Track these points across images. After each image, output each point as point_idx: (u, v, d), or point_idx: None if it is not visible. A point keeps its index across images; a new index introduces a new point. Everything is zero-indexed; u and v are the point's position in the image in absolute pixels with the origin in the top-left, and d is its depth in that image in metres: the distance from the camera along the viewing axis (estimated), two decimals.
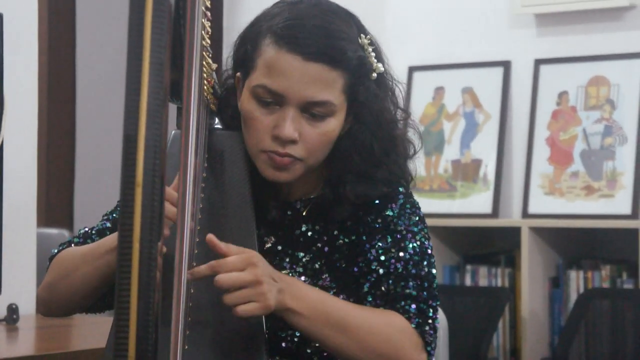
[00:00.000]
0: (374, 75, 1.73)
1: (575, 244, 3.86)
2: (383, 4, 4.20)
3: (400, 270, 1.70)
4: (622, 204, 3.71)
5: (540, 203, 3.85)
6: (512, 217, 3.96)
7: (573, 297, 3.72)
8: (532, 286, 3.76)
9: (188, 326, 1.59)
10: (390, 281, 1.69)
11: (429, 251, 1.73)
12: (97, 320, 1.83)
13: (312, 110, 1.67)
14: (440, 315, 2.15)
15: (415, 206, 1.76)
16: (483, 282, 3.92)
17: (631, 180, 3.72)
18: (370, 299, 1.70)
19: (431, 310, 1.70)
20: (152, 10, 1.05)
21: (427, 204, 3.96)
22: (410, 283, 1.69)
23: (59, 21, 5.04)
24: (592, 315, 3.54)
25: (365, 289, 1.71)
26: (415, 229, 1.73)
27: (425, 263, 1.72)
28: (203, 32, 1.57)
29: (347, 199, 1.72)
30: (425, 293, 1.70)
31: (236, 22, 4.13)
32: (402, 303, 1.68)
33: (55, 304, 1.77)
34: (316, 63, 1.66)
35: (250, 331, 1.62)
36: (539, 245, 3.78)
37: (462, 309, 3.66)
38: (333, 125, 1.69)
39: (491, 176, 3.96)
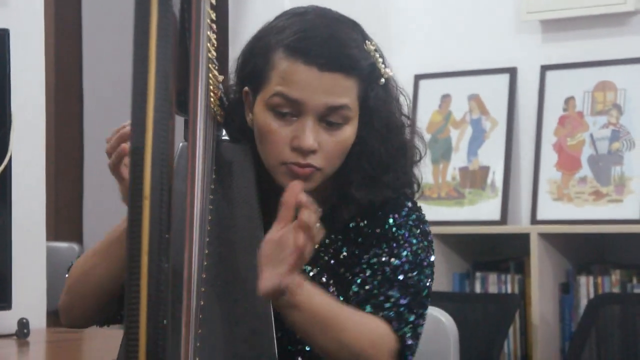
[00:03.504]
0: (382, 80, 1.74)
1: (584, 250, 3.86)
2: (388, 12, 4.20)
3: (387, 274, 1.69)
4: (630, 208, 3.71)
5: (549, 209, 3.85)
6: (520, 223, 3.96)
7: (583, 302, 3.72)
8: (542, 292, 3.75)
9: (199, 338, 1.59)
10: (376, 282, 1.68)
11: (425, 263, 1.72)
12: (107, 333, 1.83)
13: (330, 119, 1.68)
14: (450, 323, 2.15)
15: (420, 220, 1.75)
16: (493, 289, 3.92)
17: (639, 184, 3.71)
18: (354, 299, 1.69)
19: (413, 316, 1.68)
20: (157, 23, 1.06)
21: (436, 212, 3.96)
22: (396, 287, 1.68)
23: (65, 36, 5.06)
24: (602, 321, 3.53)
25: (353, 290, 1.70)
26: (414, 240, 1.72)
27: (416, 273, 1.70)
28: (209, 44, 1.57)
29: (353, 199, 1.71)
30: (408, 298, 1.68)
31: (242, 35, 4.14)
32: (382, 304, 1.67)
33: (77, 308, 1.77)
34: (332, 73, 1.66)
35: (261, 344, 1.62)
36: (548, 251, 3.78)
37: (472, 316, 3.65)
38: (349, 132, 1.70)
39: (499, 183, 3.96)
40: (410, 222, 1.73)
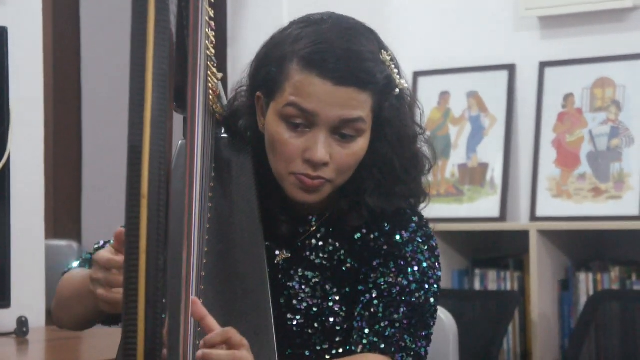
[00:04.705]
0: (397, 91, 1.71)
1: (583, 246, 3.85)
2: (386, 9, 4.20)
3: (394, 295, 1.67)
4: (630, 205, 3.71)
5: (548, 206, 3.85)
6: (520, 220, 3.96)
7: (583, 299, 3.72)
8: (542, 289, 3.75)
9: (198, 336, 1.59)
10: (381, 305, 1.67)
11: (432, 281, 1.70)
12: (107, 331, 1.83)
13: (343, 131, 1.66)
14: (450, 320, 2.15)
15: (427, 236, 1.74)
16: (492, 286, 3.92)
17: (638, 181, 3.71)
18: (359, 319, 1.67)
19: (415, 342, 1.67)
20: (155, 21, 1.05)
21: (435, 209, 3.91)
22: (401, 309, 1.67)
23: (63, 34, 5.05)
24: (602, 317, 3.53)
25: (357, 310, 1.68)
26: (422, 258, 1.70)
27: (422, 292, 1.69)
28: (207, 42, 1.57)
29: (366, 206, 1.70)
30: (413, 321, 1.67)
31: (240, 32, 4.14)
32: (384, 331, 1.65)
33: (66, 323, 1.82)
34: (346, 87, 1.64)
35: (261, 341, 1.62)
36: (547, 248, 3.78)
37: (471, 313, 3.65)
38: (362, 144, 1.68)
39: (498, 180, 3.96)
40: (418, 239, 1.72)
